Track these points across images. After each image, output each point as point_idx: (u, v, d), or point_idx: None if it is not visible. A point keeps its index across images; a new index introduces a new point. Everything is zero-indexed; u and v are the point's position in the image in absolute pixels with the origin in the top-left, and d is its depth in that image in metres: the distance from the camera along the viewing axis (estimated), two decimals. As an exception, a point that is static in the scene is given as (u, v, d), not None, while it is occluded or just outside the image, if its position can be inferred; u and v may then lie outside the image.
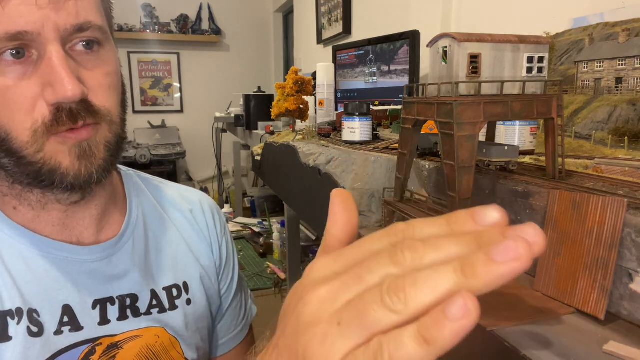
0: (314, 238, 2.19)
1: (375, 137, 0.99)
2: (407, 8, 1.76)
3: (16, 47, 0.50)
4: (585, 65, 0.80)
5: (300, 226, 1.96)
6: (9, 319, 0.57)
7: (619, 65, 0.75)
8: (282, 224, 2.13)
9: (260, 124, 2.21)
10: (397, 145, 0.66)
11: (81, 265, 0.63)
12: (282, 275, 2.03)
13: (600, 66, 0.78)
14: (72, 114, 0.52)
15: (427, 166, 0.68)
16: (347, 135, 0.94)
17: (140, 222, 0.72)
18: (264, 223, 2.62)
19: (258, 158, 1.42)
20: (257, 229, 2.54)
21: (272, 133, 1.70)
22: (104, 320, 0.63)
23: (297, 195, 1.00)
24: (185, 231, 0.77)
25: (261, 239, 2.39)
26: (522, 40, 0.51)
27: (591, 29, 0.82)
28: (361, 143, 0.92)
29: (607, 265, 0.38)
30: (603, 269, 0.38)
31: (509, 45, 0.51)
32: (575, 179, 0.53)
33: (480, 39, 0.50)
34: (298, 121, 1.37)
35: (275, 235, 2.24)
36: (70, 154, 0.54)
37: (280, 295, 1.98)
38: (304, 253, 2.09)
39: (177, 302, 0.71)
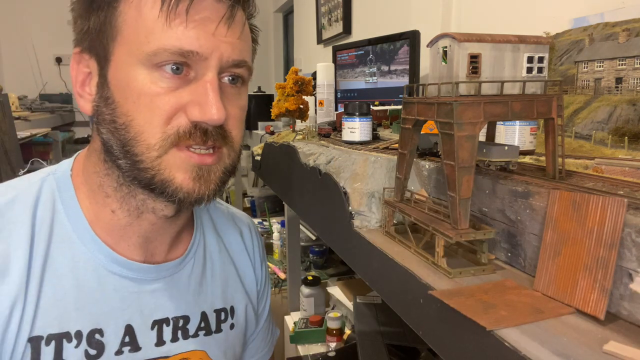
0: (314, 238, 2.18)
1: (375, 137, 0.99)
2: (407, 8, 1.76)
3: (179, 64, 0.53)
4: (585, 65, 0.80)
5: (300, 226, 1.95)
6: (65, 341, 0.57)
7: (619, 65, 0.75)
8: (282, 224, 2.13)
9: (260, 124, 2.22)
10: (397, 145, 0.66)
11: (146, 285, 0.64)
12: (282, 275, 2.03)
13: (600, 66, 0.78)
14: (206, 134, 0.55)
15: (427, 166, 0.68)
16: (347, 135, 0.94)
17: (201, 243, 0.73)
18: (264, 223, 2.62)
19: (258, 158, 1.42)
20: (257, 229, 2.54)
21: (272, 133, 1.70)
22: (160, 341, 0.64)
23: (297, 195, 1.00)
24: (235, 254, 0.79)
25: (261, 239, 2.39)
26: (522, 40, 0.51)
27: (591, 29, 0.82)
28: (361, 143, 0.92)
29: (607, 265, 0.37)
30: (603, 269, 0.38)
31: (509, 45, 0.51)
32: (575, 179, 0.53)
33: (480, 39, 0.50)
34: (298, 121, 1.37)
35: (275, 235, 2.24)
36: (186, 172, 0.55)
37: (280, 295, 1.98)
38: (304, 253, 2.09)
39: (222, 325, 0.73)
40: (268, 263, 2.21)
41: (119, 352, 0.60)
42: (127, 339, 0.61)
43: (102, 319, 0.59)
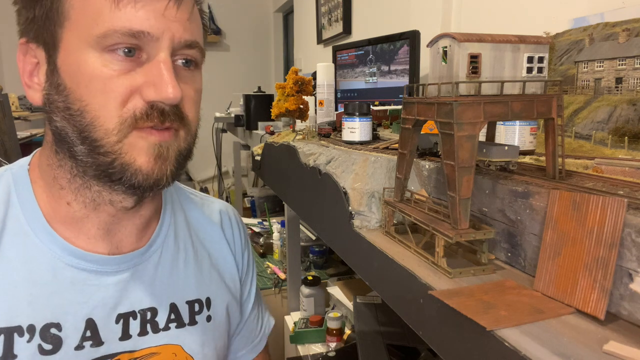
0: (314, 238, 2.18)
1: (375, 137, 0.99)
2: (407, 8, 1.76)
3: (130, 46, 0.53)
4: (585, 65, 0.80)
5: (300, 226, 1.95)
6: (16, 335, 0.56)
7: (619, 65, 0.75)
8: (282, 224, 2.13)
9: (260, 124, 2.22)
10: (397, 145, 0.66)
11: (108, 277, 0.62)
12: (282, 275, 2.03)
13: (600, 66, 0.78)
14: (163, 114, 0.55)
15: (427, 166, 0.68)
16: (347, 135, 0.94)
17: (172, 233, 0.72)
18: (264, 223, 2.62)
19: (258, 158, 1.42)
20: (257, 229, 2.54)
21: (272, 133, 1.70)
22: (125, 336, 0.63)
23: (297, 195, 1.00)
24: (212, 244, 0.78)
25: (261, 239, 2.39)
26: (522, 40, 0.51)
27: (591, 29, 0.82)
28: (361, 143, 0.92)
29: (607, 265, 0.38)
30: (603, 269, 0.38)
31: (509, 45, 0.51)
32: (575, 179, 0.53)
33: (480, 39, 0.50)
34: (298, 121, 1.37)
35: (275, 235, 2.24)
36: (148, 152, 0.55)
37: (280, 295, 1.98)
38: (304, 253, 2.09)
39: (197, 317, 0.71)
40: (268, 263, 2.21)
41: (79, 347, 0.59)
42: (88, 334, 0.60)
43: (58, 313, 0.58)
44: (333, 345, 1.53)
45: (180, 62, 0.58)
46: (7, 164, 0.67)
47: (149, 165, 0.55)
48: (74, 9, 0.54)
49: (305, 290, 1.73)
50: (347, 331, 1.57)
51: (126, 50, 0.53)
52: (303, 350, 1.56)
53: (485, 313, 0.39)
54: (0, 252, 0.58)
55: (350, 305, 1.56)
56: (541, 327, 0.37)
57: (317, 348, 1.56)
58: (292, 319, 1.78)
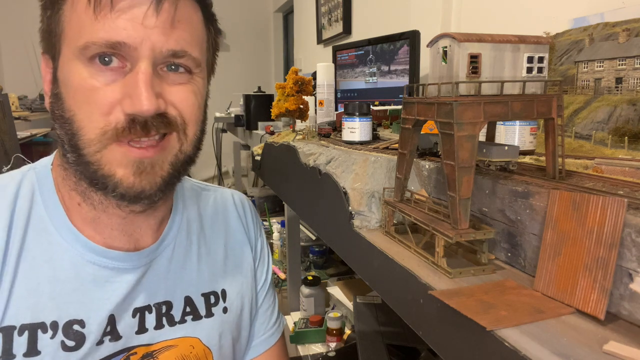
0: (314, 238, 2.18)
1: (375, 137, 0.99)
2: (407, 8, 1.76)
3: (107, 53, 0.53)
4: (585, 65, 0.80)
5: (300, 226, 1.95)
6: (40, 332, 0.57)
7: (619, 65, 0.75)
8: (282, 224, 2.13)
9: (260, 124, 2.21)
10: (397, 145, 0.66)
11: (128, 273, 0.63)
12: (282, 275, 2.03)
13: (600, 66, 0.78)
14: (145, 126, 0.54)
15: (427, 166, 0.68)
16: (347, 135, 0.94)
17: (184, 228, 0.72)
18: (264, 223, 2.62)
19: (258, 158, 1.42)
20: (257, 229, 2.54)
21: (272, 133, 1.70)
22: (141, 329, 0.64)
23: (297, 195, 1.00)
24: (227, 235, 0.78)
25: (261, 239, 2.39)
26: (522, 40, 0.51)
27: (591, 29, 0.82)
28: (361, 143, 0.92)
29: (607, 265, 0.38)
30: (603, 269, 0.38)
31: (509, 45, 0.51)
32: (575, 179, 0.53)
33: (480, 39, 0.50)
34: (298, 121, 1.37)
35: (275, 235, 2.24)
36: (127, 167, 0.55)
37: (280, 295, 1.98)
38: (304, 253, 2.09)
39: (213, 309, 0.72)
40: (268, 263, 2.20)
41: (100, 342, 0.60)
42: (108, 329, 0.61)
43: (81, 310, 0.59)
44: (333, 345, 1.53)
45: (168, 69, 0.57)
46: (30, 163, 0.67)
47: (130, 179, 0.55)
48: (67, 22, 0.55)
49: (305, 290, 1.73)
50: (347, 331, 1.57)
51: (105, 59, 0.53)
52: (303, 350, 1.56)
53: (485, 313, 0.39)
54: (24, 251, 0.58)
55: (350, 305, 1.56)
56: (541, 327, 0.37)
57: (317, 348, 1.56)
58: (292, 319, 1.78)
